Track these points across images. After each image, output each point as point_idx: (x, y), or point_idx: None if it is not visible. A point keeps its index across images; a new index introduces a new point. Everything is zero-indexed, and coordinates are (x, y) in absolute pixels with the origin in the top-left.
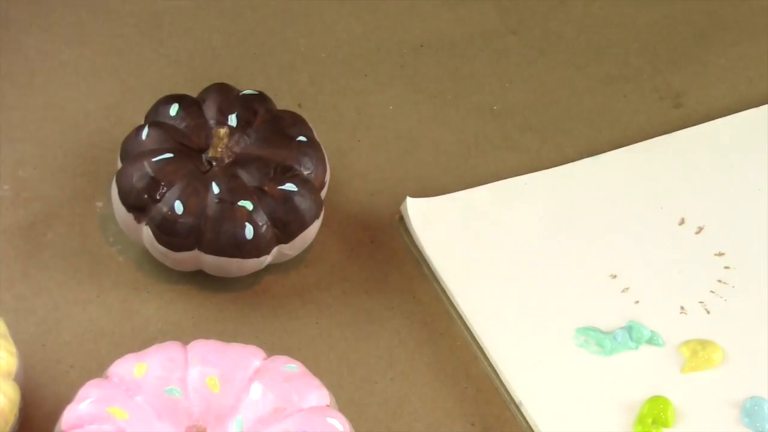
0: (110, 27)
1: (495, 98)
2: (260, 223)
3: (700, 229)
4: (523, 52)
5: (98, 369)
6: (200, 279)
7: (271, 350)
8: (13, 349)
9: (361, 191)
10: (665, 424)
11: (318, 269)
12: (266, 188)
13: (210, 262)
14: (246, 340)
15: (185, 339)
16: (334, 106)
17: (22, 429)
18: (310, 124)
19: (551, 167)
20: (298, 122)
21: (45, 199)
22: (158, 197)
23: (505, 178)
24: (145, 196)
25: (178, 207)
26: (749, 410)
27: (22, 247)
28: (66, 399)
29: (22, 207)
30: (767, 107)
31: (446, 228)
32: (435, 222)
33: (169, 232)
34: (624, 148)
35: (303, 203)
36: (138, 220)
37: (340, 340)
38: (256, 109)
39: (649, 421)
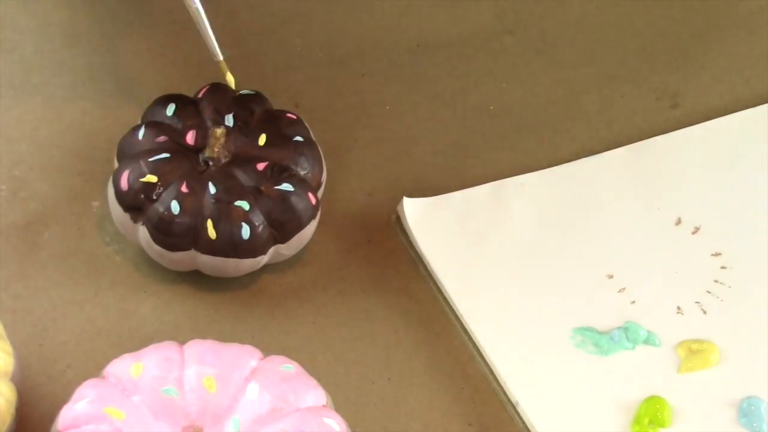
0: (106, 27)
1: (492, 98)
2: (257, 223)
3: (696, 229)
4: (520, 52)
5: (95, 369)
6: (197, 279)
7: (267, 350)
8: (10, 348)
9: (358, 191)
10: (662, 425)
11: (315, 269)
12: (263, 188)
13: (206, 262)
14: (243, 340)
15: (182, 339)
16: (331, 106)
17: (19, 429)
18: (307, 124)
19: (548, 167)
20: (294, 122)
21: (42, 199)
22: (155, 197)
23: (501, 178)
24: (142, 196)
25: (175, 207)
26: (746, 410)
27: (19, 246)
28: (63, 399)
29: (18, 207)
30: (764, 107)
31: (443, 228)
32: (432, 222)
33: (165, 232)
34: (621, 148)
35: (299, 203)
36: (134, 220)
37: (337, 339)
38: (252, 109)
39: (646, 421)
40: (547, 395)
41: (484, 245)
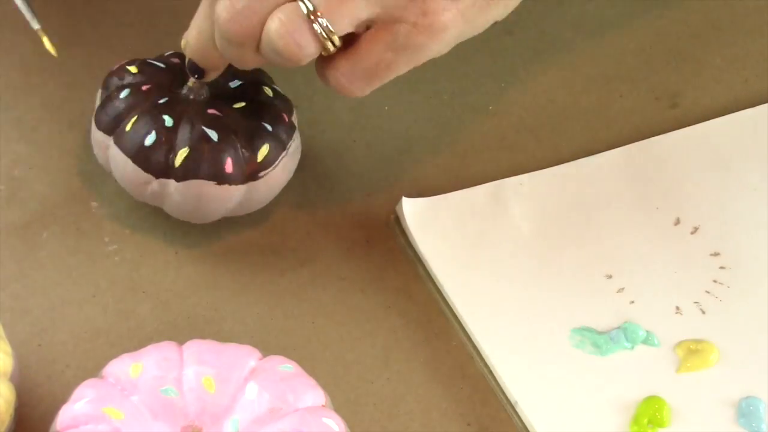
0: (106, 27)
1: (491, 98)
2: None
3: (695, 229)
4: (519, 52)
5: (94, 369)
6: (196, 279)
7: (266, 350)
8: (9, 349)
9: (357, 191)
10: (661, 425)
11: (313, 269)
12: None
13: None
14: (241, 340)
15: (181, 339)
16: (330, 107)
17: (18, 429)
18: (305, 125)
19: (547, 167)
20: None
21: (41, 199)
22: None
23: (500, 178)
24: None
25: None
26: (745, 410)
27: (18, 246)
28: (62, 399)
29: (17, 207)
30: (763, 107)
31: (442, 228)
32: (430, 222)
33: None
34: (620, 148)
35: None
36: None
37: (336, 339)
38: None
39: (645, 421)
40: (545, 395)
41: (483, 245)
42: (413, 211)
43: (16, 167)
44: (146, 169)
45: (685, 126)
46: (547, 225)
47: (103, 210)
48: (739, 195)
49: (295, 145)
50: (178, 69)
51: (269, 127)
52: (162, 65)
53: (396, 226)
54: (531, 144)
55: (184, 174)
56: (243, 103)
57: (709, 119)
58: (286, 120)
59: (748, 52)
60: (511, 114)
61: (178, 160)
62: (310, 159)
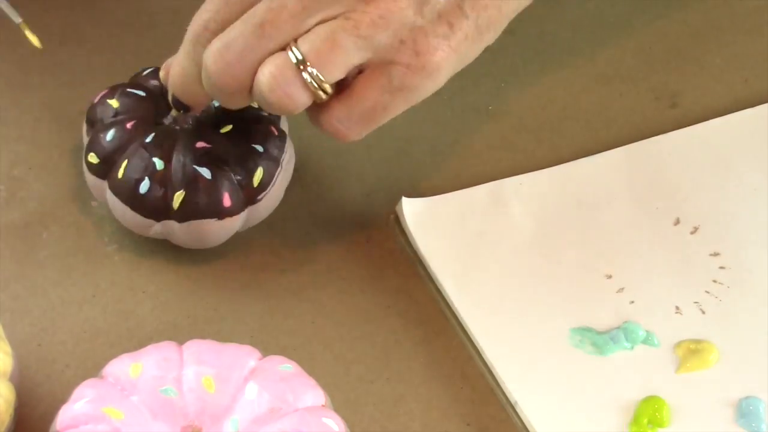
0: (105, 27)
1: (490, 98)
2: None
3: (695, 229)
4: (519, 52)
5: (94, 369)
6: (196, 278)
7: (266, 350)
8: (9, 348)
9: (357, 191)
10: (660, 425)
11: (313, 268)
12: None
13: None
14: (241, 340)
15: (181, 339)
16: None
17: (17, 429)
18: (304, 125)
19: (547, 167)
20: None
21: (40, 199)
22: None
23: (500, 178)
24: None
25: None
26: (744, 410)
27: (18, 246)
28: (61, 399)
29: (17, 207)
30: (763, 107)
31: (441, 228)
32: (430, 222)
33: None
34: (620, 148)
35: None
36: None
37: (336, 339)
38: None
39: (645, 421)
40: (545, 395)
41: (483, 245)
42: (413, 210)
43: (15, 167)
44: (146, 216)
45: (685, 126)
46: (547, 225)
47: (103, 210)
48: (738, 195)
49: (288, 155)
50: (158, 94)
51: (260, 148)
52: (142, 93)
53: (396, 225)
54: (530, 144)
55: (183, 216)
56: (230, 126)
57: (709, 119)
58: (275, 132)
59: (748, 52)
60: (510, 114)
61: (176, 203)
62: (310, 159)
